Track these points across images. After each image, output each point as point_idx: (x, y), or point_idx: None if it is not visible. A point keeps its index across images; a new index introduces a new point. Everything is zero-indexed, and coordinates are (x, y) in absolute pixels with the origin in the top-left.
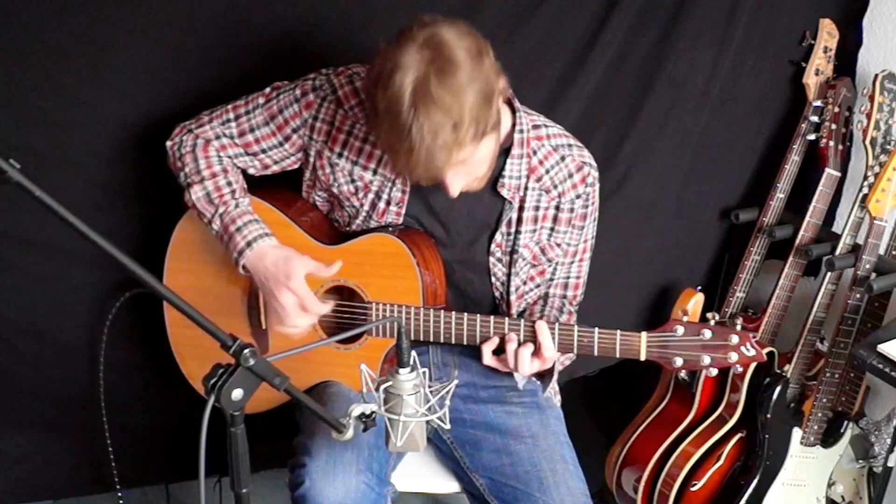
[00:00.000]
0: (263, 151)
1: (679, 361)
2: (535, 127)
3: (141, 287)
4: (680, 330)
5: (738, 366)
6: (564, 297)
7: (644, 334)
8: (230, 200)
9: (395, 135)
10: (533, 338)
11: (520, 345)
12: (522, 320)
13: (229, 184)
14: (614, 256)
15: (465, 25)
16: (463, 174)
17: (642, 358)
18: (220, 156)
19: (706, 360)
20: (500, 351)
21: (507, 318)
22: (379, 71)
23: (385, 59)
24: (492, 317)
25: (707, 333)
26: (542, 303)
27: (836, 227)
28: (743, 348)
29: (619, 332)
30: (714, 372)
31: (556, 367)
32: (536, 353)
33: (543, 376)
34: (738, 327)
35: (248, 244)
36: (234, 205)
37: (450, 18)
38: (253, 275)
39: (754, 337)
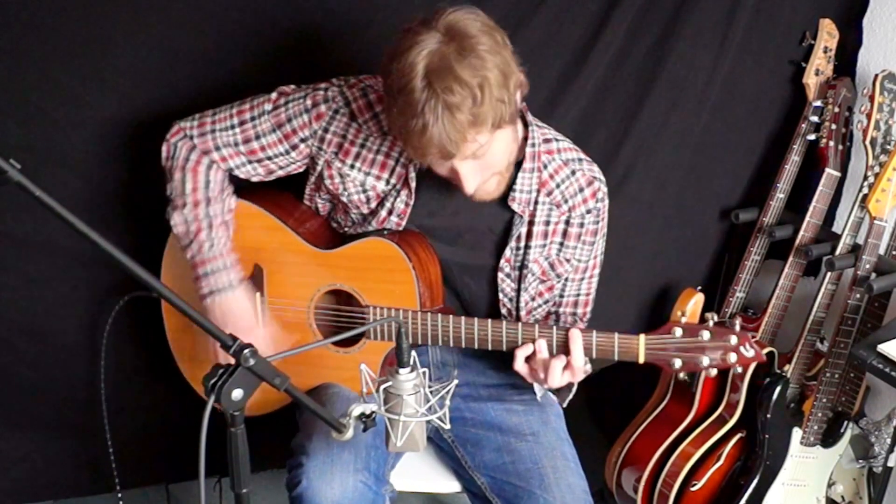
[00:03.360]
0: (269, 158)
1: (678, 363)
2: (546, 141)
3: (140, 289)
4: (678, 332)
5: (737, 366)
6: (575, 314)
7: (642, 336)
8: (205, 239)
9: (409, 112)
10: (561, 347)
11: (551, 355)
12: (537, 325)
13: (208, 216)
14: (614, 256)
15: (486, 15)
16: (479, 168)
17: (641, 360)
18: (208, 179)
19: (705, 361)
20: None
21: (504, 322)
22: (395, 49)
23: (403, 39)
24: (489, 320)
25: (706, 335)
26: (555, 318)
27: (836, 227)
28: (742, 349)
29: (617, 334)
30: (714, 373)
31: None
32: (567, 364)
33: (560, 389)
34: (738, 327)
35: (211, 293)
36: (208, 245)
37: (472, 7)
38: (208, 310)
39: (753, 337)
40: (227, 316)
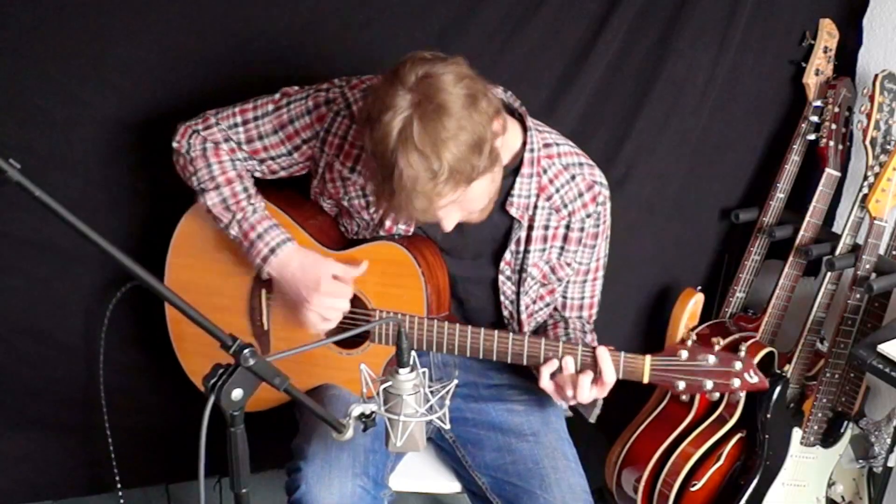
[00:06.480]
0: (272, 158)
1: (681, 385)
2: (546, 145)
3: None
4: (684, 354)
5: (740, 392)
6: (581, 317)
7: (648, 357)
8: (247, 206)
9: (381, 176)
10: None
11: (577, 371)
12: (543, 339)
13: (245, 189)
14: (614, 256)
15: (465, 65)
16: (455, 211)
17: (645, 381)
18: (232, 160)
19: (709, 384)
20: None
21: (511, 333)
22: (370, 109)
23: (377, 97)
24: (496, 331)
25: (711, 359)
26: (564, 325)
27: (836, 227)
28: (746, 375)
29: (623, 353)
30: (716, 396)
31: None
32: (596, 380)
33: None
34: (743, 352)
35: (272, 251)
36: (251, 210)
37: (450, 57)
38: (278, 279)
39: (753, 338)
40: (300, 265)
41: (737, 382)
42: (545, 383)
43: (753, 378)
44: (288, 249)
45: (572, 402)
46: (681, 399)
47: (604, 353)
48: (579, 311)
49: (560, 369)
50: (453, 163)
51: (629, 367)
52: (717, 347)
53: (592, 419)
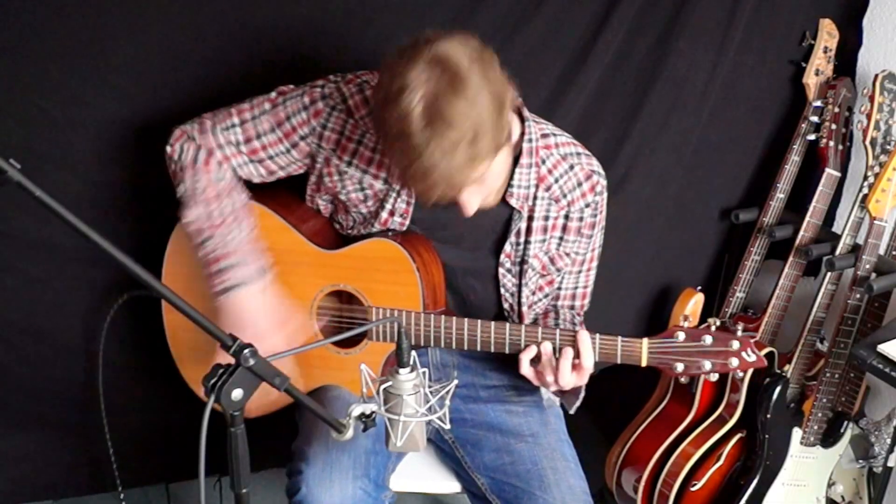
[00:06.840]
0: (270, 158)
1: (680, 367)
2: (544, 136)
3: (139, 289)
4: (681, 336)
5: (739, 371)
6: (573, 307)
7: (645, 340)
8: (226, 233)
9: (409, 157)
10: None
11: (556, 356)
12: (539, 328)
13: (223, 212)
14: (614, 256)
15: (470, 36)
16: (479, 192)
17: (643, 364)
18: (220, 175)
19: (707, 365)
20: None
21: (508, 324)
22: (386, 90)
23: (392, 78)
24: (493, 322)
25: (708, 339)
26: (555, 316)
27: (836, 227)
28: (744, 354)
29: (620, 338)
30: (715, 377)
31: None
32: (575, 365)
33: (565, 394)
34: (739, 332)
35: (235, 286)
36: (230, 238)
37: (454, 31)
38: (224, 309)
39: (753, 338)
40: (245, 313)
41: (735, 362)
42: (525, 370)
43: (751, 356)
44: (245, 292)
45: (553, 388)
46: (681, 398)
47: (584, 337)
48: (571, 300)
49: (539, 356)
50: (488, 123)
51: (627, 350)
52: (713, 328)
53: (572, 410)
